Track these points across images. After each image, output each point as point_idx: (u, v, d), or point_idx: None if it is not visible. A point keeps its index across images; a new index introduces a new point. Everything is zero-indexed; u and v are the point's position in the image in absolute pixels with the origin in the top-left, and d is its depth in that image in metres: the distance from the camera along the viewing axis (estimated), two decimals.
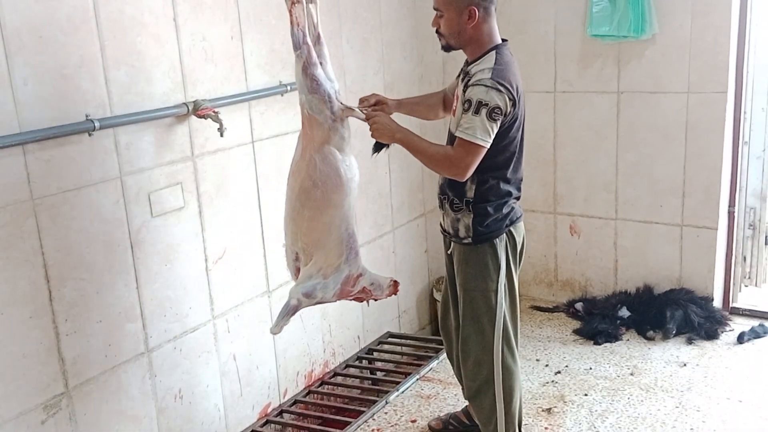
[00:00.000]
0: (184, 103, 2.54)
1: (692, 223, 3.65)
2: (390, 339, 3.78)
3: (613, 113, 3.73)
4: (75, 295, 2.27)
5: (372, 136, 2.44)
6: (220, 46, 2.69)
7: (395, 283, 2.58)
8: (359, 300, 2.56)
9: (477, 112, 2.25)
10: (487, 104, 2.25)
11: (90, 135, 2.25)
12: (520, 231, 2.55)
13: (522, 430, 2.63)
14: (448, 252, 2.63)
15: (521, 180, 2.53)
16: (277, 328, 2.38)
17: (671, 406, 2.98)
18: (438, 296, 4.07)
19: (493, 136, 2.29)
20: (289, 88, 2.95)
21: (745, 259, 3.86)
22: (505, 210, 2.47)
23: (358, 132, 2.55)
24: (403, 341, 3.80)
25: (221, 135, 2.58)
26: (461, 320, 2.57)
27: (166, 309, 2.60)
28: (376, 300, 2.57)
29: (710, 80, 3.46)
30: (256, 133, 2.90)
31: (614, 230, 3.87)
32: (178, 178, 2.59)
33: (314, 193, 2.32)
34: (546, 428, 2.89)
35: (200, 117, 2.56)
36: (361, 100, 2.54)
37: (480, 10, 2.33)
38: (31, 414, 2.18)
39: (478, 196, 2.44)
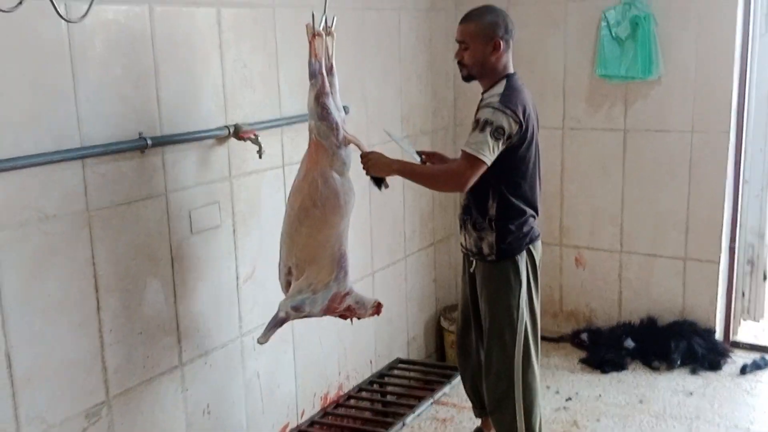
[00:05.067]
0: (226, 126, 2.65)
1: (695, 257, 3.79)
2: (400, 365, 3.84)
3: (620, 150, 3.88)
4: (120, 306, 2.34)
5: (368, 172, 2.58)
6: (258, 73, 2.81)
7: (378, 305, 2.67)
8: (344, 317, 2.67)
9: (482, 129, 2.42)
10: (492, 123, 2.42)
11: (142, 152, 2.34)
12: (538, 249, 2.68)
13: None
14: (471, 270, 2.73)
15: (538, 201, 2.66)
16: (263, 338, 2.51)
17: None
18: (445, 324, 4.16)
19: (495, 154, 2.43)
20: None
21: (743, 294, 4.00)
22: (525, 228, 2.60)
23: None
24: (412, 367, 3.87)
25: (260, 157, 2.68)
26: (485, 336, 2.67)
27: (199, 324, 2.66)
28: (359, 318, 2.68)
29: (713, 120, 3.63)
30: (287, 157, 3.00)
31: (619, 263, 3.99)
32: (216, 197, 2.68)
33: (313, 212, 2.46)
34: None
35: (241, 139, 2.67)
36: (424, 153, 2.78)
37: (503, 42, 2.52)
38: (74, 421, 2.23)
39: (499, 212, 2.57)
